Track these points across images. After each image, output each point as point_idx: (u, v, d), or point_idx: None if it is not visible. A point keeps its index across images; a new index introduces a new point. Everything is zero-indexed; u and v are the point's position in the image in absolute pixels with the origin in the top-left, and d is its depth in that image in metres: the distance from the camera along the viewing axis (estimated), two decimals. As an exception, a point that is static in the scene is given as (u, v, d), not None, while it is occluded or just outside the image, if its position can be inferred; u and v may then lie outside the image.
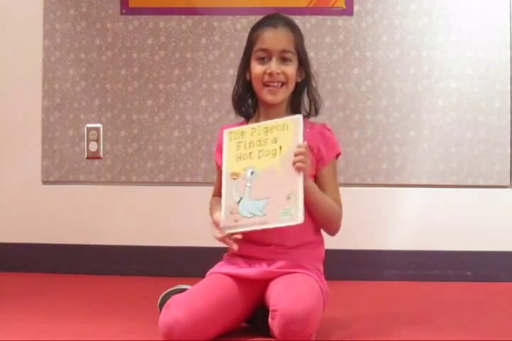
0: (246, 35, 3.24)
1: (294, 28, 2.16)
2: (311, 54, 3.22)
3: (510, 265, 3.15)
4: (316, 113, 2.19)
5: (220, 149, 2.19)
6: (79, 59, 3.31)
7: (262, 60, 2.12)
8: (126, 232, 3.30)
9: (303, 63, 2.15)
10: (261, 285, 2.07)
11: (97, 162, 3.31)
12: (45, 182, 3.34)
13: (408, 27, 3.21)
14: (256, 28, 2.18)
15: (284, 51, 2.11)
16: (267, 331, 2.02)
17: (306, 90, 2.18)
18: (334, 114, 3.23)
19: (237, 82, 2.20)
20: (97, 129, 3.31)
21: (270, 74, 2.09)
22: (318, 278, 2.10)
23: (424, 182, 3.21)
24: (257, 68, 2.12)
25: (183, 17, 3.28)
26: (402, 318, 2.37)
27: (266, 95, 2.13)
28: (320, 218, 2.11)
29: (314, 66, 3.19)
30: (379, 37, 3.23)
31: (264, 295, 2.08)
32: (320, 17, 3.24)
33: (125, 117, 3.30)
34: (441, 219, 3.19)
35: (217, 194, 2.20)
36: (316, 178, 2.13)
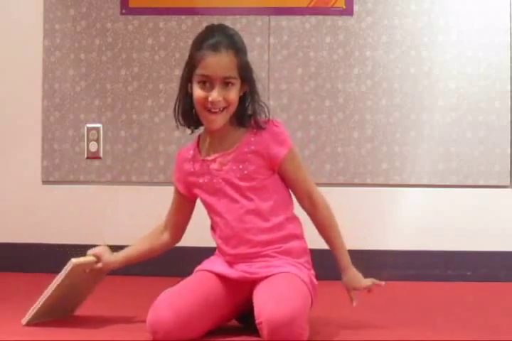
0: (246, 35, 3.25)
1: (237, 50, 2.07)
2: (310, 54, 3.25)
3: (510, 265, 3.15)
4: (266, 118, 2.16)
5: (180, 172, 2.22)
6: (79, 59, 3.31)
7: (203, 84, 2.05)
8: (126, 232, 3.29)
9: (246, 80, 2.09)
10: (246, 284, 2.07)
11: (97, 162, 3.31)
12: (45, 182, 3.34)
13: (408, 27, 3.21)
14: (197, 48, 2.08)
15: (225, 78, 2.04)
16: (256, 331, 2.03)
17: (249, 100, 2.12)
18: (334, 114, 3.23)
19: (180, 93, 2.13)
20: (97, 129, 3.31)
21: (211, 102, 2.04)
22: (299, 271, 2.08)
23: (424, 182, 3.20)
24: (197, 92, 2.05)
25: (183, 17, 3.28)
26: (401, 318, 2.37)
27: (206, 122, 2.10)
28: None
29: (314, 66, 3.24)
30: (379, 37, 3.23)
31: (252, 294, 2.07)
32: (320, 17, 3.24)
33: (125, 117, 3.30)
34: (441, 219, 3.19)
35: (167, 219, 2.33)
36: (281, 176, 2.12)
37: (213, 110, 2.05)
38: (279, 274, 2.06)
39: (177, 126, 2.19)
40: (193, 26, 3.27)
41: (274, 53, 3.25)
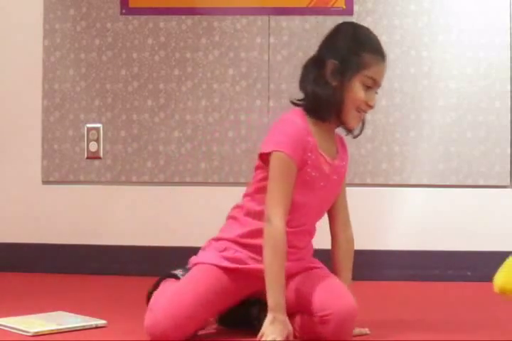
0: (246, 35, 3.26)
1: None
2: (310, 54, 3.23)
3: (510, 265, 3.15)
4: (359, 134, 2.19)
5: (301, 145, 2.03)
6: (79, 59, 3.31)
7: (367, 87, 2.08)
8: (126, 232, 3.30)
9: None
10: (258, 281, 2.02)
11: (97, 162, 3.31)
12: (45, 182, 3.34)
13: (408, 27, 3.21)
14: (372, 51, 2.09)
15: (380, 85, 2.13)
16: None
17: None
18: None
19: (334, 86, 2.07)
20: (97, 129, 3.31)
21: (369, 106, 2.08)
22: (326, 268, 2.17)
23: (424, 182, 3.20)
24: (360, 93, 2.06)
25: (183, 17, 3.28)
26: (401, 318, 2.37)
27: (353, 120, 2.09)
28: None
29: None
30: (379, 37, 3.20)
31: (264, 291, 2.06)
32: (320, 17, 3.23)
33: (125, 117, 3.30)
34: (441, 219, 3.19)
35: (287, 213, 2.01)
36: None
37: (364, 113, 2.10)
38: (321, 269, 2.14)
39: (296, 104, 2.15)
40: (193, 26, 3.27)
41: (274, 53, 3.25)
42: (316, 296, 2.00)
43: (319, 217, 2.19)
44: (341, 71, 2.06)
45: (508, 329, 2.07)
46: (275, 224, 1.97)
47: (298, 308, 2.04)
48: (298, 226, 2.08)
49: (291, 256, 2.06)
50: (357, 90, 2.06)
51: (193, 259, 2.16)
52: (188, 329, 1.99)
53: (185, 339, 1.98)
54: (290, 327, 1.93)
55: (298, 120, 2.06)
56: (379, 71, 2.09)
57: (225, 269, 2.07)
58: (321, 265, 2.18)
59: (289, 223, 2.02)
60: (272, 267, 1.95)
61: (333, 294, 2.00)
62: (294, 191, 2.02)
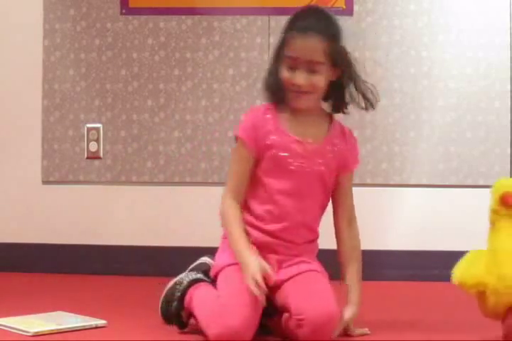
0: (246, 35, 3.26)
1: (327, 34, 2.04)
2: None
3: (510, 265, 3.15)
4: (372, 106, 2.18)
5: (256, 130, 2.09)
6: (79, 59, 3.31)
7: (290, 66, 2.05)
8: (126, 232, 3.30)
9: (339, 66, 2.08)
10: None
11: (97, 162, 3.31)
12: (45, 182, 3.34)
13: (408, 27, 3.21)
14: (289, 28, 2.07)
15: (311, 62, 2.03)
16: (264, 328, 2.04)
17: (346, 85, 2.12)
18: (334, 114, 3.22)
19: (271, 71, 2.11)
20: (97, 129, 3.31)
21: (295, 84, 2.04)
22: (323, 271, 2.15)
23: (424, 182, 3.20)
24: (284, 73, 2.06)
25: (183, 17, 3.28)
26: (401, 318, 2.37)
27: (291, 100, 2.09)
28: None
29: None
30: (379, 37, 3.23)
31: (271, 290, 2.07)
32: (320, 17, 3.23)
33: (125, 117, 3.30)
34: (441, 219, 3.19)
35: (238, 194, 2.12)
36: (335, 184, 2.18)
37: (299, 91, 2.06)
38: (310, 272, 2.10)
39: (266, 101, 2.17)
40: (193, 26, 3.27)
41: (274, 53, 3.25)
42: (295, 299, 2.00)
43: (313, 209, 2.15)
44: (274, 56, 2.12)
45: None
46: (223, 203, 2.10)
47: (282, 307, 2.05)
48: (283, 217, 2.09)
49: (284, 249, 2.09)
50: (282, 70, 2.06)
51: (218, 263, 2.16)
52: (254, 329, 1.97)
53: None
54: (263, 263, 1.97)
55: (261, 108, 2.14)
56: (295, 48, 2.03)
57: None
58: (317, 268, 2.14)
59: (270, 214, 2.08)
60: (232, 236, 2.06)
61: (311, 298, 1.98)
62: (266, 175, 2.09)
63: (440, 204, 3.21)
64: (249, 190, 2.12)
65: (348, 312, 2.08)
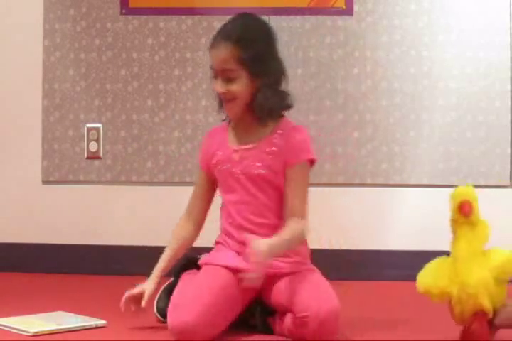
0: (246, 35, 3.25)
1: (237, 42, 2.08)
2: (310, 54, 3.25)
3: (510, 265, 3.15)
4: (287, 107, 2.19)
5: (205, 153, 2.23)
6: (79, 59, 3.31)
7: (214, 76, 2.14)
8: (126, 232, 3.30)
9: (255, 73, 2.09)
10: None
11: (97, 162, 3.31)
12: (45, 182, 3.34)
13: (408, 27, 3.21)
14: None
15: (224, 70, 2.09)
16: (264, 326, 2.04)
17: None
18: (334, 114, 3.22)
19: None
20: (97, 129, 3.31)
21: (218, 92, 2.13)
22: (317, 270, 2.16)
23: (424, 182, 3.20)
24: (213, 84, 2.15)
25: (183, 17, 3.28)
26: (402, 318, 2.37)
27: (225, 109, 2.17)
28: None
29: (314, 66, 3.23)
30: (379, 37, 3.23)
31: (265, 290, 2.08)
32: (320, 17, 3.23)
33: (125, 117, 3.30)
34: (441, 219, 3.16)
35: (190, 214, 2.30)
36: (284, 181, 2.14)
37: (224, 100, 2.13)
38: (307, 272, 2.12)
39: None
40: (193, 26, 3.27)
41: (274, 53, 3.24)
42: (298, 297, 2.01)
43: (270, 209, 2.14)
44: None
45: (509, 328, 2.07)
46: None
47: (285, 308, 2.05)
48: (238, 222, 2.14)
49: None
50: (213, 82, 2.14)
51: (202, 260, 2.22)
52: (217, 326, 2.00)
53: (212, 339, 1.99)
54: None
55: (211, 130, 2.30)
56: (211, 58, 2.12)
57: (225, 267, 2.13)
58: (312, 268, 2.17)
59: (230, 222, 2.17)
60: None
61: (314, 296, 2.00)
62: (222, 191, 2.22)
63: (440, 204, 3.19)
64: (222, 210, 2.23)
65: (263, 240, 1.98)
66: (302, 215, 2.10)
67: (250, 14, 2.22)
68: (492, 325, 1.95)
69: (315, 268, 2.18)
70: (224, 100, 2.13)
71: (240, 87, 2.09)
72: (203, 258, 2.21)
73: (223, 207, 2.22)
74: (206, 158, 2.23)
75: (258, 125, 2.15)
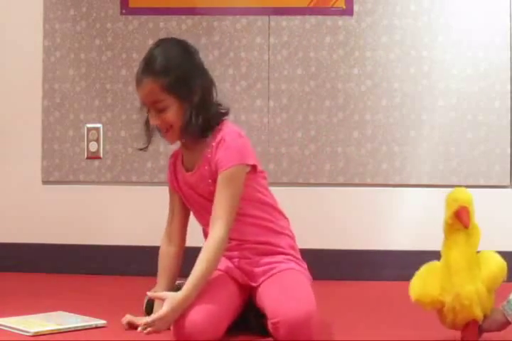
0: (246, 35, 3.27)
1: (154, 74, 2.11)
2: (310, 54, 3.25)
3: (510, 265, 3.15)
4: (222, 115, 2.20)
5: (170, 177, 2.29)
6: (79, 59, 3.31)
7: (147, 112, 2.18)
8: (126, 232, 3.30)
9: (183, 96, 2.12)
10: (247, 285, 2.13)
11: (97, 162, 3.31)
12: (45, 182, 3.34)
13: (408, 27, 3.21)
14: None
15: (154, 102, 2.12)
16: (260, 328, 2.04)
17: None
18: (334, 114, 3.23)
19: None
20: (97, 129, 3.31)
21: (152, 125, 2.18)
22: (299, 267, 2.16)
23: (424, 182, 3.20)
24: (149, 119, 2.19)
25: (183, 17, 3.28)
26: (402, 318, 2.37)
27: (166, 140, 2.23)
28: None
29: (314, 66, 3.23)
30: (379, 37, 3.23)
31: (252, 291, 2.10)
32: (320, 17, 3.23)
33: (125, 117, 3.30)
34: (441, 219, 3.18)
35: (169, 225, 2.37)
36: None
37: (162, 132, 2.19)
38: (285, 271, 2.11)
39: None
40: (193, 26, 3.27)
41: (274, 53, 3.25)
42: (269, 303, 2.02)
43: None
44: None
45: (508, 328, 2.07)
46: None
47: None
48: (206, 232, 2.19)
49: (245, 252, 2.18)
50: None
51: None
52: (222, 326, 2.00)
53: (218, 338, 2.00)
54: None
55: (175, 150, 2.33)
56: (139, 95, 2.18)
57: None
58: (294, 267, 2.15)
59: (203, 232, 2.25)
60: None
61: (285, 300, 1.99)
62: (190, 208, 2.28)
63: (440, 205, 3.19)
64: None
65: (176, 295, 1.99)
66: (223, 217, 2.08)
67: (164, 40, 2.31)
68: (480, 329, 1.99)
69: (294, 265, 2.16)
70: (162, 131, 2.18)
71: (173, 114, 2.12)
72: None
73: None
74: (172, 182, 2.29)
75: (195, 143, 2.19)
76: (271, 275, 2.11)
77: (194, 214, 2.28)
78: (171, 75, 2.10)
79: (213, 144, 2.13)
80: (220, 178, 2.10)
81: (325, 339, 2.04)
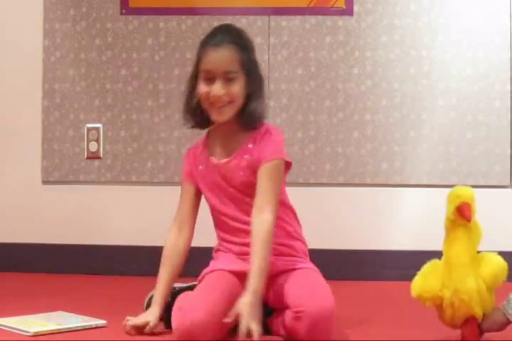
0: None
1: (240, 45, 2.12)
2: (310, 54, 3.25)
3: (510, 265, 3.15)
4: (265, 118, 2.20)
5: (189, 169, 2.23)
6: (79, 59, 3.31)
7: (207, 80, 2.11)
8: (126, 232, 3.30)
9: (251, 77, 2.13)
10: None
11: (97, 162, 3.32)
12: (45, 182, 3.34)
13: (408, 27, 3.21)
14: (202, 45, 2.15)
15: (227, 72, 2.10)
16: (263, 327, 2.04)
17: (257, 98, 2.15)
18: (334, 114, 3.23)
19: (189, 93, 2.19)
20: (97, 129, 3.31)
21: (214, 96, 2.10)
22: (317, 269, 2.17)
23: (424, 182, 3.20)
24: (201, 88, 2.12)
25: (183, 17, 3.28)
26: (402, 318, 2.37)
27: (213, 115, 2.14)
28: None
29: (314, 66, 3.24)
30: (379, 37, 3.23)
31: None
32: (320, 17, 3.24)
33: (125, 117, 3.30)
34: (441, 219, 3.18)
35: (181, 221, 2.27)
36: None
37: (218, 105, 2.10)
38: (305, 269, 2.14)
39: (188, 127, 2.23)
40: (193, 26, 3.27)
41: (274, 53, 3.25)
42: (293, 292, 2.03)
43: (248, 205, 2.14)
44: (191, 76, 2.18)
45: (508, 328, 2.07)
46: (169, 230, 2.34)
47: (283, 304, 2.06)
48: (231, 226, 2.17)
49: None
50: (199, 87, 2.13)
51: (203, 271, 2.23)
52: (224, 325, 1.98)
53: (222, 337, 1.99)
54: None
55: (190, 148, 2.28)
56: (209, 61, 2.11)
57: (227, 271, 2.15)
58: (310, 266, 2.18)
59: (224, 229, 2.21)
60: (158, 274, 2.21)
61: (309, 293, 2.01)
62: (208, 201, 2.23)
63: (440, 204, 3.19)
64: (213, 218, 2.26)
65: (243, 300, 1.95)
66: (271, 203, 2.08)
67: (230, 24, 2.27)
68: (480, 329, 1.99)
69: (313, 266, 2.19)
70: (217, 104, 2.11)
71: (239, 89, 2.11)
72: (205, 269, 2.20)
73: (213, 216, 2.25)
74: (191, 173, 2.23)
75: (237, 133, 2.17)
76: (293, 270, 2.13)
77: (214, 205, 2.20)
78: (250, 53, 2.14)
79: (256, 135, 2.14)
80: (264, 168, 2.10)
81: (317, 337, 2.04)
